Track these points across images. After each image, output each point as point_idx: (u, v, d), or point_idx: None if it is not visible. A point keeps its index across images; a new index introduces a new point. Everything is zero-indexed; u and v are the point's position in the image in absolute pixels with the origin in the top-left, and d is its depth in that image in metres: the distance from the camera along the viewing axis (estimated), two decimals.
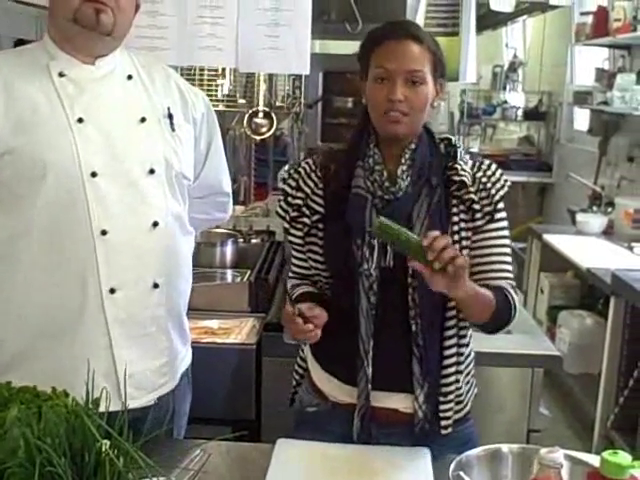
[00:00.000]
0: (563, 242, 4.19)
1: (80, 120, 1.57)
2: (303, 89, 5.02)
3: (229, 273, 2.87)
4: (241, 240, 3.24)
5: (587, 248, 4.09)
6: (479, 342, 1.78)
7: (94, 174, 1.55)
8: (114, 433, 1.00)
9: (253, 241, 3.37)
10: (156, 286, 1.64)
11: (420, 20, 2.25)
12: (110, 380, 1.53)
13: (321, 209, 1.68)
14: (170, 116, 1.68)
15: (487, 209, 1.63)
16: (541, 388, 2.20)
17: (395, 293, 1.61)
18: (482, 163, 1.68)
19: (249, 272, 2.80)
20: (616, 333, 3.35)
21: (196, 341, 2.22)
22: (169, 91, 1.72)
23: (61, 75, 1.59)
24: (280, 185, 1.74)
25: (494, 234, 1.65)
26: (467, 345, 1.69)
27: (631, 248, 3.95)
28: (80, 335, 1.58)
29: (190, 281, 1.81)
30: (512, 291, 1.64)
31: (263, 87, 4.09)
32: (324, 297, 1.71)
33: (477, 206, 1.62)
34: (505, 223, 1.67)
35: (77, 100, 1.58)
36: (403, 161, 1.63)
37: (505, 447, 1.42)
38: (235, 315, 2.47)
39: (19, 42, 4.17)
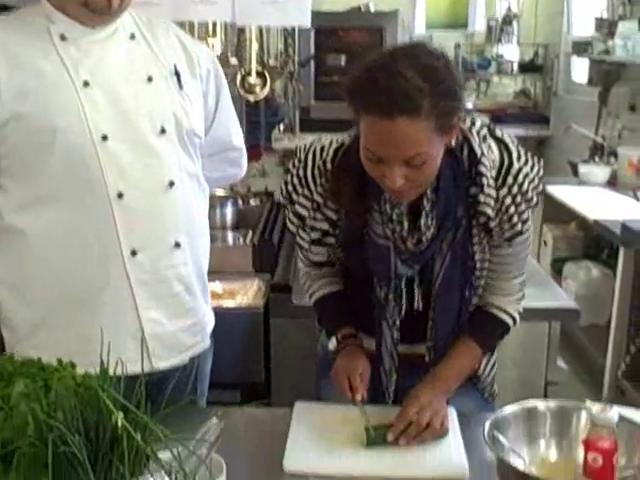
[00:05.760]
0: (567, 193, 4.11)
1: (86, 83, 1.52)
2: (297, 47, 4.90)
3: (230, 235, 2.81)
4: (240, 202, 3.17)
5: (592, 199, 4.02)
6: None
7: (105, 137, 1.52)
8: (131, 407, 0.93)
9: (252, 203, 3.30)
10: (178, 245, 1.61)
11: None
12: (138, 341, 1.51)
13: (334, 216, 1.54)
14: (177, 73, 1.63)
15: (507, 234, 1.49)
16: (558, 341, 2.16)
17: (416, 325, 1.56)
18: (509, 172, 1.43)
19: (251, 233, 2.74)
20: (626, 283, 3.30)
21: None
22: (173, 47, 1.67)
23: (63, 38, 1.54)
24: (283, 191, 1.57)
25: (505, 260, 1.55)
26: None
27: (637, 197, 3.88)
28: (104, 300, 1.56)
29: (209, 240, 1.79)
30: (512, 310, 1.60)
31: (255, 46, 3.99)
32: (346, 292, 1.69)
33: (496, 230, 1.48)
34: (524, 244, 1.54)
35: (81, 63, 1.53)
36: (425, 213, 1.44)
37: (542, 404, 1.35)
38: (239, 277, 2.41)
39: (1, 7, 4.07)
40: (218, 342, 2.15)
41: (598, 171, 4.38)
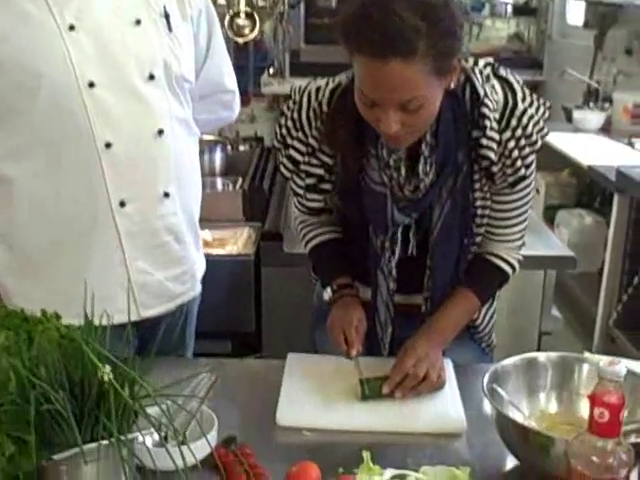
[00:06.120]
0: (560, 139, 4.05)
1: (71, 27, 1.45)
2: None
3: (219, 181, 2.74)
4: (229, 147, 3.09)
5: (586, 145, 3.96)
6: None
7: (91, 84, 1.46)
8: (118, 362, 0.88)
9: (241, 148, 3.23)
10: (167, 195, 1.57)
11: None
12: (126, 291, 1.50)
13: (329, 161, 1.49)
14: (167, 15, 1.55)
15: (510, 179, 1.43)
16: (553, 290, 2.13)
17: (413, 275, 1.51)
18: (513, 113, 1.36)
19: (240, 180, 2.67)
20: (620, 230, 3.26)
21: None
22: None
23: None
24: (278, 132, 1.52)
25: (507, 206, 1.49)
26: None
27: (632, 144, 3.83)
28: (93, 251, 1.52)
29: (200, 185, 1.75)
30: (511, 259, 1.55)
31: None
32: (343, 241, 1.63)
33: (499, 175, 1.42)
34: (527, 190, 1.47)
35: (67, 6, 1.46)
36: (423, 159, 1.37)
37: (542, 356, 1.32)
38: (229, 225, 2.36)
39: None
40: (208, 291, 2.12)
41: (592, 117, 4.32)
